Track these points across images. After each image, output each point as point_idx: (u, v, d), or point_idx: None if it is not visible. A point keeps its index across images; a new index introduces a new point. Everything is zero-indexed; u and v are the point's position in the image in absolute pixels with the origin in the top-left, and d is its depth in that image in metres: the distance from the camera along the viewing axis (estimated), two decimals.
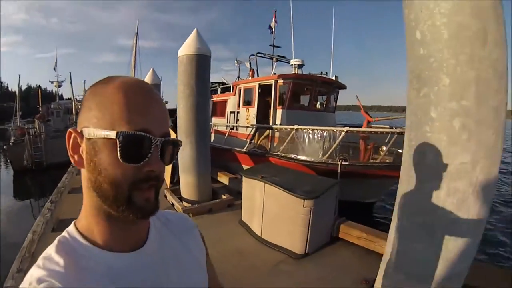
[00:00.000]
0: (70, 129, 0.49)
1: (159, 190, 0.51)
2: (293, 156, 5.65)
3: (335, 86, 7.86)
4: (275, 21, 9.76)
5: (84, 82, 34.02)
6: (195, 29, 4.46)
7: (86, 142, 0.47)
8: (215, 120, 9.12)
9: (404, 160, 1.47)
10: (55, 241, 0.50)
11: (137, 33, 20.79)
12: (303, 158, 5.44)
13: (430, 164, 1.32)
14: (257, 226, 3.53)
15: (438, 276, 1.38)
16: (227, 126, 8.10)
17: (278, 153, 5.93)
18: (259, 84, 7.32)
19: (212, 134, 8.30)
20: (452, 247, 1.34)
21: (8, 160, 13.03)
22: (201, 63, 4.35)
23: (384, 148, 5.12)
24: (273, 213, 3.32)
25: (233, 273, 2.70)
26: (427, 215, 1.38)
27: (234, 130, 7.78)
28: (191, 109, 4.41)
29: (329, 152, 5.12)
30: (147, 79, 7.81)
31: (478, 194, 1.29)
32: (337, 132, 5.16)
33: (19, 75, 23.68)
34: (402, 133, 4.63)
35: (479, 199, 1.30)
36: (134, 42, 20.93)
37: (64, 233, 0.52)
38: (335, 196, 3.47)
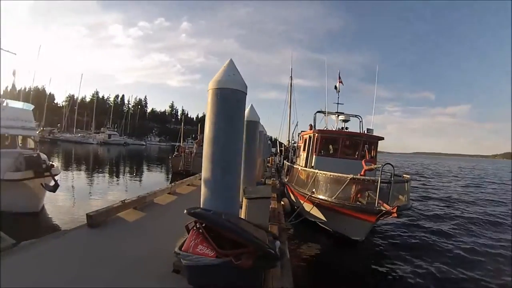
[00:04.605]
0: None
1: None
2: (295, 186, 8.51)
3: (364, 138, 9.69)
4: (340, 82, 11.68)
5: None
6: (251, 104, 8.08)
7: None
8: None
9: None
10: None
11: (291, 76, 25.48)
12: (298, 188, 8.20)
13: None
14: None
15: None
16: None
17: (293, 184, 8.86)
18: (309, 136, 10.24)
19: None
20: None
21: (171, 165, 21.49)
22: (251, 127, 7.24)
23: (367, 193, 6.58)
24: None
25: None
26: None
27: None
28: None
29: (308, 187, 7.56)
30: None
31: None
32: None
33: (182, 116, 33.22)
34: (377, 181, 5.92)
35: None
36: (289, 84, 25.49)
37: None
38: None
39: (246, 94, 3.83)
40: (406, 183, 6.93)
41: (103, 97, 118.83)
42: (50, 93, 79.83)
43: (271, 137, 44.90)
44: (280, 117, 24.86)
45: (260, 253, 2.41)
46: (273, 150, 29.25)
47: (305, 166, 9.74)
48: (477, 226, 10.30)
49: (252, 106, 7.68)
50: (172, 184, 8.72)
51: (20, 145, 9.35)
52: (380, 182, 5.88)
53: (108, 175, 20.27)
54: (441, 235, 8.85)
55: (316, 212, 7.51)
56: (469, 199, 16.55)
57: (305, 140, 10.72)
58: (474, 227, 10.15)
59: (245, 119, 6.70)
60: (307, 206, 7.48)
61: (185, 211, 2.56)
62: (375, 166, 7.04)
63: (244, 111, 4.01)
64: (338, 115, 11.20)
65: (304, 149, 10.73)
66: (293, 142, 21.49)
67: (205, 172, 3.67)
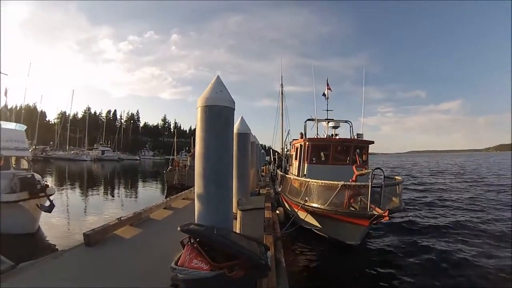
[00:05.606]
0: None
1: None
2: (288, 195, 8.65)
3: (354, 144, 9.89)
4: (329, 89, 11.66)
5: None
6: (241, 117, 8.27)
7: None
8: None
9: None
10: None
11: (281, 84, 25.59)
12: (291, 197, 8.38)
13: None
14: None
15: None
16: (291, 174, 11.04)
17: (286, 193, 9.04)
18: (300, 144, 10.45)
19: None
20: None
21: (165, 180, 21.30)
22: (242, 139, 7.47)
23: (359, 198, 6.60)
24: None
25: None
26: None
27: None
28: None
29: (301, 195, 7.72)
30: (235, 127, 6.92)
31: None
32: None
33: (174, 129, 33.38)
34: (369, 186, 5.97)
35: None
36: (280, 92, 25.40)
37: None
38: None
39: (234, 109, 4.00)
40: (397, 186, 7.08)
41: (95, 112, 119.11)
42: (41, 111, 79.42)
43: (265, 145, 45.08)
44: (274, 125, 24.81)
45: (252, 264, 2.55)
46: (267, 158, 29.34)
47: (298, 174, 9.88)
48: (477, 232, 9.42)
49: (242, 118, 7.82)
50: (168, 199, 8.80)
51: (14, 166, 9.38)
52: (371, 187, 6.01)
53: (103, 192, 20.17)
54: (439, 238, 8.83)
55: (310, 219, 7.62)
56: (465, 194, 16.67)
57: (297, 148, 10.90)
58: (474, 232, 9.36)
59: (236, 131, 6.95)
60: (302, 214, 7.60)
61: (179, 228, 2.70)
62: (366, 171, 7.17)
63: (233, 126, 4.18)
64: (328, 122, 11.38)
65: (296, 158, 10.90)
66: (286, 150, 21.67)
67: (197, 188, 3.79)
